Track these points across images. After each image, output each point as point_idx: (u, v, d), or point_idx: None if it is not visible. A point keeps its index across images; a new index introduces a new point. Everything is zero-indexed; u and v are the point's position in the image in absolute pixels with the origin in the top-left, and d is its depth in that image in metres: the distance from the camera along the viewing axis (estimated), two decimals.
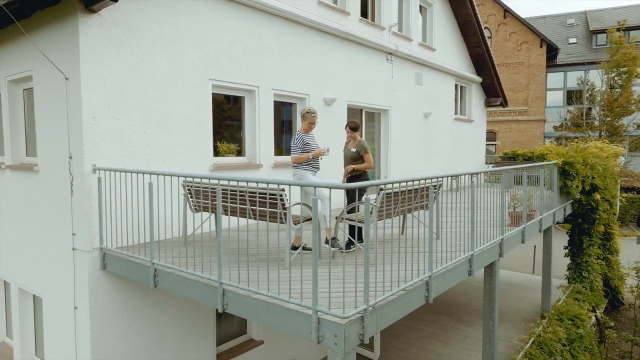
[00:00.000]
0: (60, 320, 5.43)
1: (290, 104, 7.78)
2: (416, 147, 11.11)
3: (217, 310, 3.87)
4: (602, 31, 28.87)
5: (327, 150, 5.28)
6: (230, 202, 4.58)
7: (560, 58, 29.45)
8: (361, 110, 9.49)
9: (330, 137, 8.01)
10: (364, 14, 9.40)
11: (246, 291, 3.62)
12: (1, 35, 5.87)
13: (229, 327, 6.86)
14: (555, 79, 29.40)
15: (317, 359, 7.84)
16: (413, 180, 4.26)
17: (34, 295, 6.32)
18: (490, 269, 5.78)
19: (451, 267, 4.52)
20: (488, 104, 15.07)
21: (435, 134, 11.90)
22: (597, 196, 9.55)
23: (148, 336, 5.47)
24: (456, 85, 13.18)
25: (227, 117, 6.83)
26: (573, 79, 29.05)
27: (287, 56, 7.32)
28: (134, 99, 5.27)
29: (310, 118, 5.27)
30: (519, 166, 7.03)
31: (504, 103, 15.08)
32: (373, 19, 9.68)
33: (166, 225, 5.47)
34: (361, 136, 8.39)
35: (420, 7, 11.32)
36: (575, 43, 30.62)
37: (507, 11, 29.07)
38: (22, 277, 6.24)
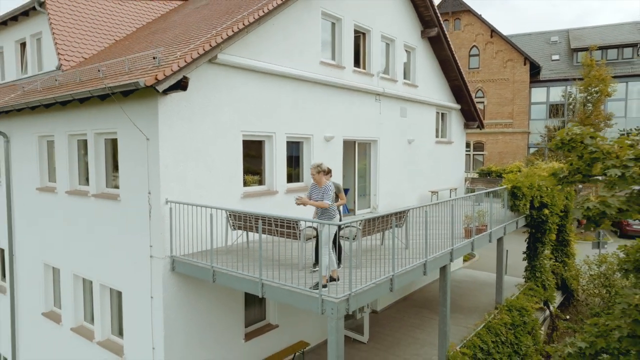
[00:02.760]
0: (138, 307, 7.66)
1: (298, 142, 10.03)
2: (401, 169, 13.35)
3: (244, 302, 6.11)
4: (584, 49, 31.14)
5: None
6: (255, 224, 6.82)
7: (544, 74, 31.74)
8: (354, 142, 11.74)
9: (328, 165, 10.25)
10: (357, 63, 11.67)
11: (277, 284, 5.87)
12: (90, 100, 8.11)
13: (253, 314, 9.10)
14: (539, 93, 31.67)
15: (320, 341, 10.07)
16: (377, 216, 6.48)
17: (111, 289, 8.55)
18: (443, 270, 8.02)
19: (410, 268, 6.77)
20: (467, 126, 17.30)
21: (418, 157, 14.15)
22: (546, 211, 11.79)
23: (201, 317, 7.71)
24: (437, 113, 15.43)
25: (252, 155, 9.08)
26: (556, 93, 31.34)
27: (297, 107, 9.58)
28: (191, 152, 7.52)
29: (329, 171, 6.52)
30: (475, 194, 9.27)
31: (481, 126, 17.29)
32: (364, 67, 11.93)
33: (212, 239, 7.71)
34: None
35: (405, 49, 13.57)
36: (558, 60, 32.89)
37: (493, 31, 31.34)
38: (102, 277, 8.48)
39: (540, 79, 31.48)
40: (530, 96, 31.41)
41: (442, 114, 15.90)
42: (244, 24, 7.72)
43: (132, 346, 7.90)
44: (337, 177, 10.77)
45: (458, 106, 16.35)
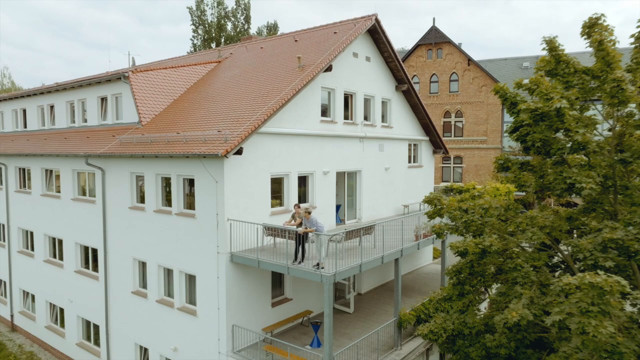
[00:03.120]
0: (207, 284, 12.43)
1: (305, 176, 14.81)
2: (380, 189, 18.12)
3: (271, 283, 10.88)
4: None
5: (313, 208, 12.17)
6: (281, 233, 11.60)
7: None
8: (344, 172, 16.53)
9: (325, 192, 15.06)
10: (345, 117, 16.44)
11: (294, 267, 10.66)
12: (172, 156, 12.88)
13: (276, 292, 13.85)
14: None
15: (319, 311, 14.83)
16: (344, 231, 11.27)
17: (187, 274, 13.32)
18: (397, 261, 12.79)
19: (372, 259, 11.57)
20: (435, 152, 22.05)
21: (393, 179, 18.91)
22: None
23: (246, 291, 12.48)
24: (409, 144, 20.20)
25: (275, 186, 13.83)
26: None
27: (304, 153, 14.36)
28: (241, 188, 12.30)
29: (310, 212, 11.64)
30: (420, 212, 13.98)
31: (445, 152, 22.04)
32: (351, 119, 16.71)
33: (255, 241, 12.48)
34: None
35: (383, 100, 18.34)
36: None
37: (470, 60, 36.12)
38: (181, 266, 13.25)
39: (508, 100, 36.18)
40: (502, 116, 36.18)
41: (414, 144, 20.67)
42: (274, 109, 12.52)
43: (202, 309, 12.67)
44: (331, 198, 15.57)
45: (427, 138, 21.11)
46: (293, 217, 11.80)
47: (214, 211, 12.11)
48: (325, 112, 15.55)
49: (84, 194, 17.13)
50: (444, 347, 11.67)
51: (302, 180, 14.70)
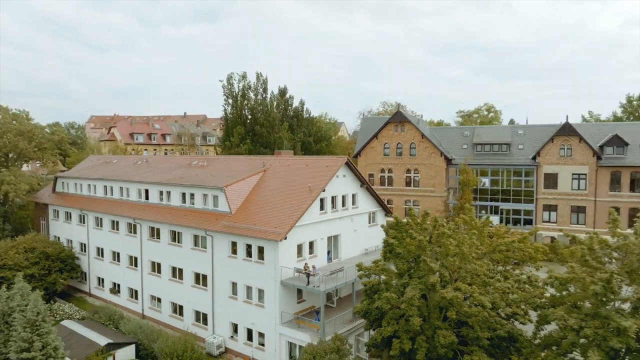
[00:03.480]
0: (269, 293, 28.29)
1: (312, 241, 30.68)
2: (351, 242, 33.96)
3: (297, 293, 26.86)
4: (481, 143, 51.89)
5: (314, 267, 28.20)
6: (301, 272, 27.49)
7: (456, 159, 52.49)
8: (332, 236, 32.42)
9: (322, 247, 31.04)
10: (332, 207, 32.33)
11: (307, 287, 26.61)
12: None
13: (299, 296, 29.68)
14: (452, 171, 52.45)
15: (319, 306, 30.70)
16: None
17: (259, 288, 29.20)
18: (353, 284, 28.64)
19: (342, 282, 27.54)
20: (386, 215, 37.94)
21: (359, 235, 34.76)
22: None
23: (287, 296, 28.38)
24: (369, 213, 36.10)
25: (299, 248, 29.67)
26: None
27: (311, 230, 30.24)
28: (284, 250, 28.18)
29: (312, 265, 27.58)
30: (368, 252, 29.85)
31: (390, 214, 37.87)
32: (334, 208, 32.60)
33: (289, 274, 28.37)
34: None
35: (352, 194, 34.17)
36: (466, 149, 53.67)
37: (423, 135, 52.13)
38: (256, 284, 29.15)
39: (453, 163, 52.29)
40: (447, 173, 52.20)
41: (372, 213, 36.60)
42: (299, 216, 28.45)
43: (267, 304, 28.53)
44: (325, 249, 31.46)
45: (380, 208, 37.05)
46: (305, 266, 27.66)
47: (273, 261, 28.00)
48: (322, 206, 31.45)
49: (196, 245, 33.02)
50: (368, 322, 27.32)
51: (311, 243, 30.61)
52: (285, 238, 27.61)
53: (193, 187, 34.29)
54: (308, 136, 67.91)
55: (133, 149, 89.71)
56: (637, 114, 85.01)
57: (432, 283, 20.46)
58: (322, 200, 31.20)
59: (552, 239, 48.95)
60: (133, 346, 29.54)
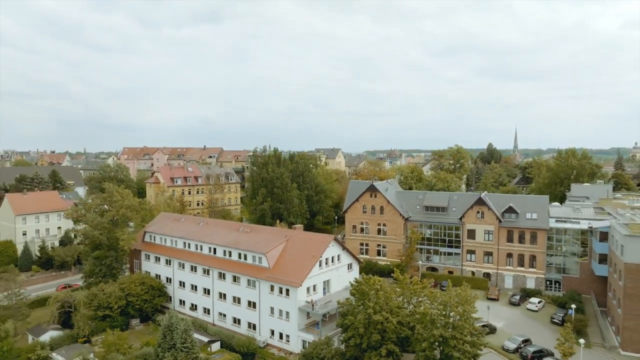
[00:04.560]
0: (292, 313, 53.38)
1: (315, 284, 55.84)
2: (337, 281, 59.01)
3: (306, 313, 52.11)
4: (430, 206, 77.11)
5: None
6: (310, 302, 52.62)
7: (413, 218, 77.66)
8: (326, 280, 57.57)
9: (320, 286, 56.19)
10: (326, 263, 57.46)
11: (313, 310, 51.82)
12: None
13: (308, 317, 54.77)
14: (410, 225, 77.63)
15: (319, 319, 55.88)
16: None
17: (285, 310, 54.30)
18: (336, 310, 53.76)
19: (332, 307, 52.78)
20: (359, 265, 63.06)
21: (342, 276, 59.80)
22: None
23: (302, 315, 53.55)
24: (348, 264, 61.25)
25: (308, 289, 54.75)
26: (422, 227, 77.29)
27: (315, 279, 55.38)
28: (301, 291, 53.31)
29: (313, 300, 52.94)
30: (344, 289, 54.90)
31: (361, 263, 63.10)
32: (327, 265, 57.75)
33: (303, 303, 53.53)
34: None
35: (339, 256, 59.31)
36: (419, 208, 78.84)
37: (388, 202, 77.33)
38: (281, 307, 54.24)
39: (409, 220, 77.49)
40: (405, 227, 77.39)
41: (350, 263, 61.81)
42: (308, 271, 53.62)
43: (291, 320, 53.59)
44: (322, 287, 56.63)
45: (354, 260, 62.26)
46: (311, 300, 52.77)
47: (294, 297, 53.17)
48: (320, 264, 56.56)
49: (249, 285, 58.10)
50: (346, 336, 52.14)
51: (314, 286, 55.75)
52: (301, 285, 52.70)
53: (246, 250, 59.45)
54: (311, 190, 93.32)
55: (174, 190, 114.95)
56: (566, 164, 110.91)
57: (369, 313, 45.53)
58: (320, 261, 56.32)
59: (473, 272, 74.40)
60: (219, 342, 54.70)
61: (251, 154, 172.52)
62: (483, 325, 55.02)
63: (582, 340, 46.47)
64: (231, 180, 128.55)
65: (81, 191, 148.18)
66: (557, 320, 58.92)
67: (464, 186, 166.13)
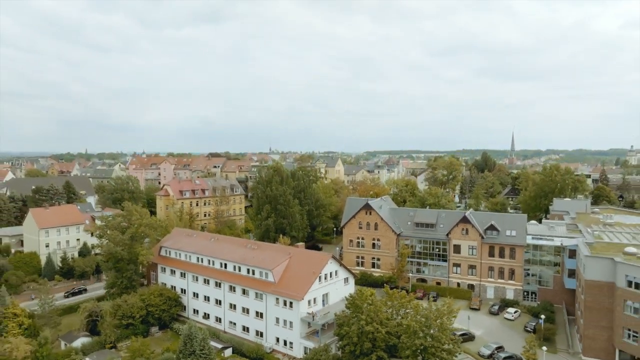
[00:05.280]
0: (295, 323, 60.99)
1: (315, 297, 63.42)
2: (335, 294, 66.56)
3: (308, 323, 59.64)
4: (419, 223, 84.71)
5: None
6: (312, 314, 60.19)
7: (405, 233, 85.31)
8: (325, 293, 65.17)
9: (320, 299, 63.79)
10: (326, 278, 65.07)
11: (314, 322, 59.42)
12: None
13: (309, 326, 62.33)
14: (406, 242, 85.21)
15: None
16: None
17: (290, 320, 61.91)
18: (334, 320, 61.31)
19: (330, 318, 60.35)
20: (354, 277, 70.65)
21: (339, 289, 67.37)
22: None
23: (304, 324, 61.16)
24: (345, 278, 68.80)
25: (309, 302, 62.30)
26: (413, 242, 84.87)
27: (316, 293, 62.97)
28: (303, 304, 60.90)
29: (313, 313, 60.65)
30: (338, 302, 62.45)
31: (356, 277, 70.65)
32: (326, 280, 65.36)
33: (304, 314, 61.11)
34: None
35: (336, 272, 66.87)
36: (410, 224, 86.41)
37: (382, 219, 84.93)
38: (288, 319, 61.82)
39: (400, 235, 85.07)
40: (397, 242, 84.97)
41: (346, 278, 69.36)
42: (310, 285, 61.20)
43: (294, 328, 61.14)
44: (321, 300, 64.23)
45: (350, 275, 69.80)
46: (312, 312, 60.36)
47: (297, 308, 60.74)
48: (320, 280, 64.12)
49: (257, 297, 65.64)
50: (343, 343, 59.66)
51: (314, 299, 63.31)
52: (303, 299, 60.24)
53: (254, 266, 66.98)
54: (311, 205, 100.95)
55: (182, 202, 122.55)
56: (550, 179, 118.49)
57: (361, 324, 53.08)
58: (320, 277, 63.87)
59: (458, 284, 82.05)
60: (231, 348, 62.28)
61: (254, 163, 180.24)
62: (463, 334, 62.75)
63: (544, 348, 54.06)
64: (236, 192, 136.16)
65: (92, 200, 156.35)
66: (529, 329, 66.46)
67: (457, 197, 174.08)
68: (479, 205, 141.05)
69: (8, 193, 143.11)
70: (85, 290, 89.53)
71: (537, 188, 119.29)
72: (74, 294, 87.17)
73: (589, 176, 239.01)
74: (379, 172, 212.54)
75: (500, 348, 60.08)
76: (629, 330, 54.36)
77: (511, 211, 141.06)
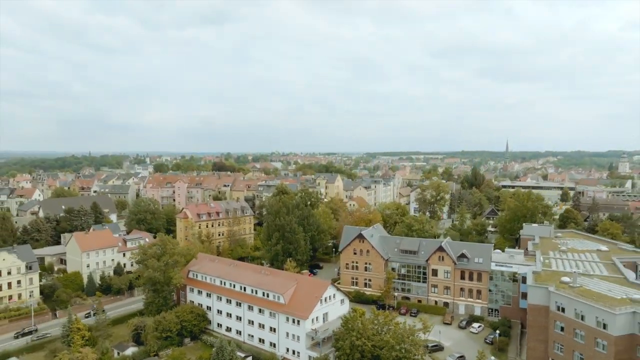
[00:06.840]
0: (301, 337, 77.62)
1: (317, 316, 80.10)
2: (333, 312, 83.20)
3: (312, 336, 76.39)
4: (405, 250, 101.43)
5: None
6: (316, 329, 76.88)
7: (392, 258, 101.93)
8: (325, 312, 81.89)
9: (321, 316, 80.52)
10: (325, 300, 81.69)
11: (315, 335, 76.11)
12: None
13: (313, 339, 78.95)
14: (393, 265, 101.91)
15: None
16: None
17: (296, 334, 78.53)
18: (334, 331, 77.94)
19: (329, 331, 77.11)
20: (348, 300, 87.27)
21: (336, 307, 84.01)
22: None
23: (308, 339, 77.84)
24: (340, 299, 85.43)
25: (313, 320, 78.93)
26: (398, 266, 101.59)
27: (318, 312, 79.67)
28: (307, 322, 77.57)
29: (315, 328, 77.42)
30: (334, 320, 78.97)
31: (350, 298, 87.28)
32: (326, 303, 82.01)
33: (309, 329, 77.83)
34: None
35: (334, 295, 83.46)
36: (396, 251, 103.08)
37: (372, 247, 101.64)
38: (290, 331, 78.46)
39: (389, 260, 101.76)
40: (385, 265, 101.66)
41: (342, 299, 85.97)
42: (313, 307, 77.95)
43: (300, 341, 77.75)
44: (322, 316, 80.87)
45: (345, 297, 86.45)
46: (314, 328, 77.04)
47: (303, 325, 77.33)
48: (321, 302, 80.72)
49: (271, 316, 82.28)
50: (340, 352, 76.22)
51: (317, 317, 79.94)
52: (308, 317, 76.84)
53: (268, 290, 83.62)
54: (314, 231, 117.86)
55: (200, 225, 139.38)
56: (522, 205, 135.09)
57: (352, 340, 69.76)
58: (321, 300, 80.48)
59: (436, 302, 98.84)
60: (250, 357, 78.96)
61: (261, 183, 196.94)
62: (434, 345, 79.48)
63: (492, 358, 70.65)
64: (245, 213, 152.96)
65: (114, 217, 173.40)
66: (488, 341, 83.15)
67: (446, 214, 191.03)
68: (464, 223, 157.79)
69: (41, 213, 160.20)
70: (37, 330, 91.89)
71: (511, 212, 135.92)
72: (24, 334, 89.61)
73: (572, 188, 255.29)
74: (375, 187, 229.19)
75: (461, 357, 76.71)
76: (559, 343, 71.06)
77: (491, 229, 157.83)
